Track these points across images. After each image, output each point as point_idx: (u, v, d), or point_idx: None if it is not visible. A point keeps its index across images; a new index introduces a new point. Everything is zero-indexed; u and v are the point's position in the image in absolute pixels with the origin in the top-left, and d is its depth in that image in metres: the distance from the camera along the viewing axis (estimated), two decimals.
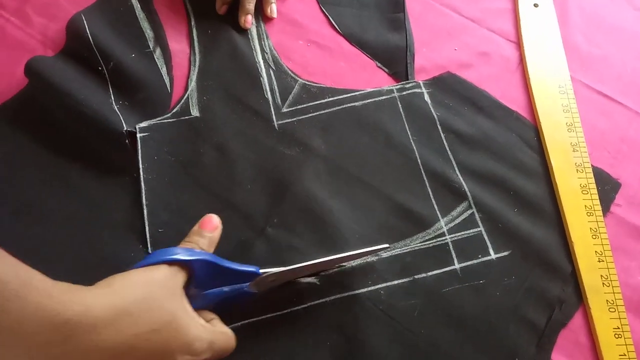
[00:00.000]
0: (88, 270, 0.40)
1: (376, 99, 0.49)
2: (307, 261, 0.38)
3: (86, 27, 0.48)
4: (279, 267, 0.37)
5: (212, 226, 0.36)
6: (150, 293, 0.30)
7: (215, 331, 0.33)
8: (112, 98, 0.47)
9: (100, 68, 0.47)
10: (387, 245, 0.41)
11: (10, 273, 0.26)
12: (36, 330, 0.26)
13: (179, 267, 0.33)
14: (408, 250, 0.42)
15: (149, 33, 0.51)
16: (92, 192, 0.43)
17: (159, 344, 0.30)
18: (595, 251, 0.43)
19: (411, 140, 0.47)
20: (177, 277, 0.32)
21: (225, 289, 0.35)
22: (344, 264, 0.41)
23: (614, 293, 0.42)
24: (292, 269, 0.37)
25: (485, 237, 0.43)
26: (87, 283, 0.39)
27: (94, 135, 0.45)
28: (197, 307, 0.33)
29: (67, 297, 0.27)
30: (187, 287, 0.33)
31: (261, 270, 0.36)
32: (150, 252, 0.41)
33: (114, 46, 0.48)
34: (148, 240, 0.41)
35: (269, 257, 0.41)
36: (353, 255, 0.40)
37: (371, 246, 0.40)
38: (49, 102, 0.46)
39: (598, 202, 0.45)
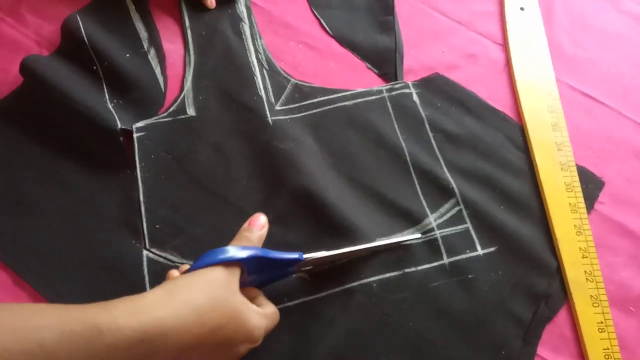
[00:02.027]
0: (80, 265, 0.41)
1: (366, 98, 0.50)
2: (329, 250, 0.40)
3: (81, 27, 0.49)
4: (319, 252, 0.39)
5: (260, 225, 0.38)
6: (213, 293, 0.32)
7: (267, 315, 0.35)
8: (107, 97, 0.47)
9: (95, 67, 0.48)
10: (419, 236, 0.43)
11: (73, 321, 0.28)
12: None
13: (233, 264, 0.34)
14: (330, 253, 0.42)
15: (143, 34, 0.51)
16: (86, 189, 0.44)
17: (224, 338, 0.32)
18: (580, 247, 0.44)
19: (400, 139, 0.48)
20: (233, 274, 0.34)
21: (270, 273, 0.38)
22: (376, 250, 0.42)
23: (597, 288, 0.43)
24: (332, 254, 0.39)
25: (473, 233, 0.44)
26: (78, 278, 0.40)
27: (88, 133, 0.45)
28: (243, 287, 0.35)
29: (134, 319, 0.29)
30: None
31: (304, 256, 0.38)
32: (146, 246, 0.42)
33: (108, 46, 0.49)
34: (145, 236, 0.42)
35: None
36: (389, 244, 0.42)
37: (364, 239, 0.41)
38: (43, 100, 0.46)
39: (582, 199, 0.46)
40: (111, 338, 0.28)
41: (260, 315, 0.34)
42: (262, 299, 0.37)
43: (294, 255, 0.38)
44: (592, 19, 0.57)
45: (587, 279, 0.43)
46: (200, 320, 0.30)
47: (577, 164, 0.48)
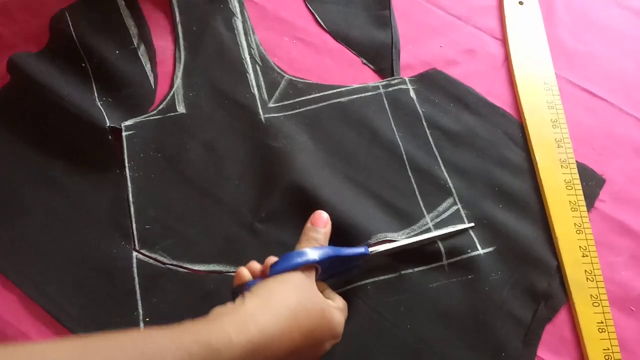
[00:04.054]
0: (69, 266, 0.40)
1: (362, 95, 0.49)
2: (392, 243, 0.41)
3: (70, 23, 0.48)
4: (384, 245, 0.40)
5: (323, 222, 0.38)
6: (302, 295, 0.33)
7: (342, 309, 0.37)
8: (96, 94, 0.46)
9: (83, 64, 0.47)
10: (472, 225, 0.43)
11: (189, 344, 0.28)
12: None
13: (310, 266, 0.35)
14: (395, 245, 0.42)
15: (133, 30, 0.50)
16: (74, 189, 0.43)
17: (315, 340, 0.33)
18: (580, 246, 0.43)
19: (397, 136, 0.47)
20: (311, 275, 0.35)
21: (338, 268, 0.39)
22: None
23: (597, 288, 0.42)
24: (398, 246, 0.40)
25: (472, 233, 0.43)
26: (67, 280, 0.39)
27: (76, 131, 0.44)
28: None
29: (244, 333, 0.29)
30: None
31: (369, 250, 0.39)
32: (136, 248, 0.41)
33: (97, 43, 0.48)
34: (135, 236, 0.41)
35: (257, 252, 0.41)
36: (445, 234, 0.42)
37: (360, 237, 0.41)
38: (31, 98, 0.45)
39: (582, 197, 0.45)
40: (227, 355, 0.28)
41: (338, 310, 0.36)
42: (330, 292, 0.38)
43: (360, 250, 0.39)
44: (592, 14, 0.56)
45: (587, 278, 0.42)
46: (297, 323, 0.31)
47: (577, 161, 0.47)
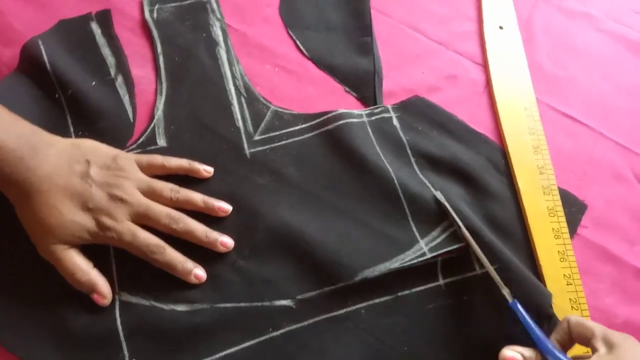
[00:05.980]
0: (49, 307, 0.39)
1: (349, 120, 0.48)
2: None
3: (43, 52, 0.46)
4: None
5: None
6: None
7: None
8: (71, 128, 0.45)
9: (57, 96, 0.45)
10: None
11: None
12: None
13: None
14: (387, 271, 0.41)
15: (110, 60, 0.49)
16: None
17: None
18: (564, 274, 0.44)
19: (385, 163, 0.46)
20: None
21: None
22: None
23: (582, 317, 0.42)
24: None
25: (471, 253, 0.42)
26: (48, 322, 0.38)
27: None
28: None
29: None
30: None
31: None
32: (117, 291, 0.39)
33: (72, 73, 0.46)
34: (114, 277, 0.40)
35: (240, 291, 0.40)
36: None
37: (345, 274, 0.40)
38: None
39: (565, 224, 0.46)
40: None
41: None
42: None
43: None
44: (571, 38, 0.57)
45: (572, 307, 0.42)
46: None
47: (559, 187, 0.47)
